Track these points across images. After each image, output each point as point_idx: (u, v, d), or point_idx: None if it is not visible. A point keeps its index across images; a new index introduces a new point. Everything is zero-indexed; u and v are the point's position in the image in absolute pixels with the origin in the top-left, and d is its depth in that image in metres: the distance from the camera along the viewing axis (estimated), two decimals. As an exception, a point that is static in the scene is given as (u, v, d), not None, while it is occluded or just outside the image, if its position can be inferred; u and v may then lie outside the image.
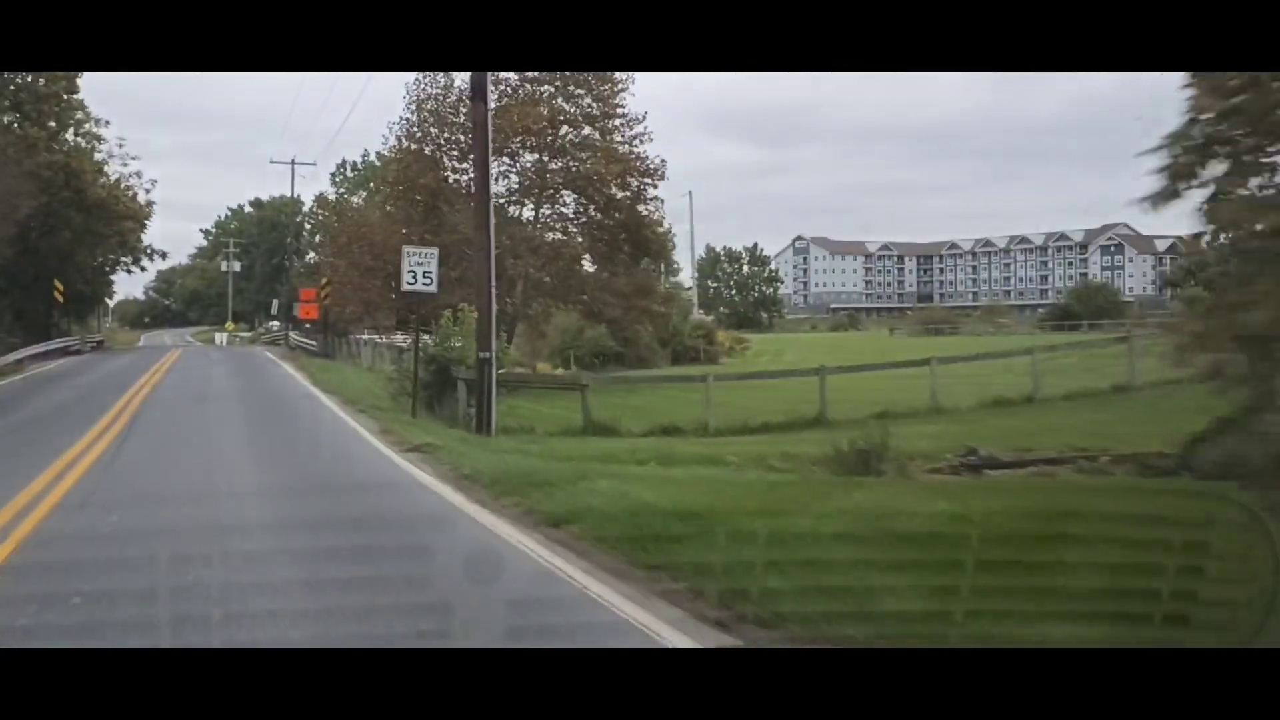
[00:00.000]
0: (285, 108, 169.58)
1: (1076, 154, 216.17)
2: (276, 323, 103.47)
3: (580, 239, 35.79)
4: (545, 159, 37.62)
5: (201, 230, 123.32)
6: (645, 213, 36.05)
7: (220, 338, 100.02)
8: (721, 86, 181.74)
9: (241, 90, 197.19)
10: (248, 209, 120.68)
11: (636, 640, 5.07)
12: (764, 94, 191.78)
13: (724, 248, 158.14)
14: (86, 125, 46.22)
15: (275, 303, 62.93)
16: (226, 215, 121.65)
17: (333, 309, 38.53)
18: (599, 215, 36.47)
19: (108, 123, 46.75)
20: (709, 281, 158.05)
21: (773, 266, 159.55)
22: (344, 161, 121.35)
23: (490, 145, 19.79)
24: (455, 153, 37.77)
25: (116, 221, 44.57)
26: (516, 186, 37.78)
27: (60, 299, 42.43)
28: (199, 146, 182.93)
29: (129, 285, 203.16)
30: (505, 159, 37.87)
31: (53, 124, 44.18)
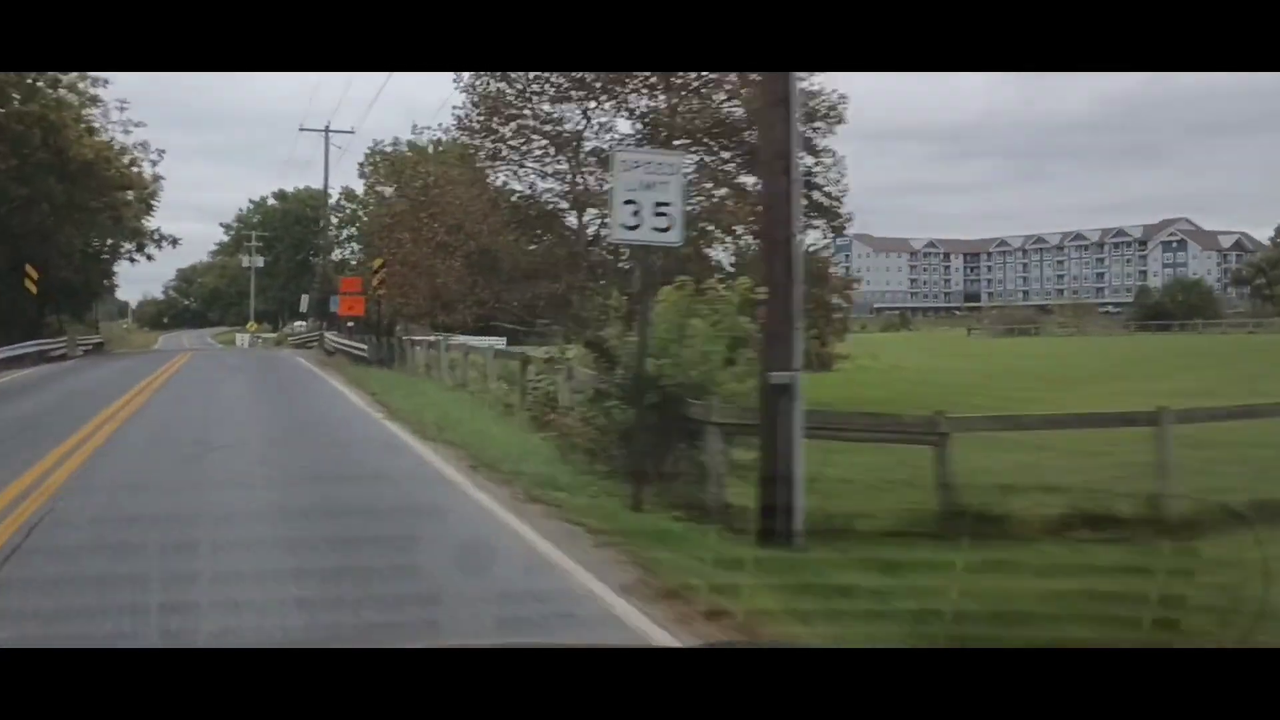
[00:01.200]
0: (304, 109, 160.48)
1: (1105, 151, 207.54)
2: (303, 323, 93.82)
3: (729, 204, 25.44)
4: (671, 101, 27.50)
5: (221, 225, 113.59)
6: (817, 168, 25.79)
7: (242, 339, 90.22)
8: None
9: (260, 90, 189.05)
10: (271, 201, 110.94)
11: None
12: None
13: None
14: (81, 85, 36.32)
15: (305, 298, 52.43)
16: (248, 208, 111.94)
17: (390, 300, 28.08)
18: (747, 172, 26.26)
19: (106, 82, 36.54)
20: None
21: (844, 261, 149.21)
22: (372, 149, 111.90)
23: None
24: (551, 90, 27.70)
25: (108, 191, 34.37)
26: (633, 136, 27.58)
27: (33, 289, 32.35)
28: (219, 147, 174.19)
29: (147, 284, 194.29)
30: (610, 103, 27.72)
31: (30, 76, 34.14)
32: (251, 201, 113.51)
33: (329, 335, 38.21)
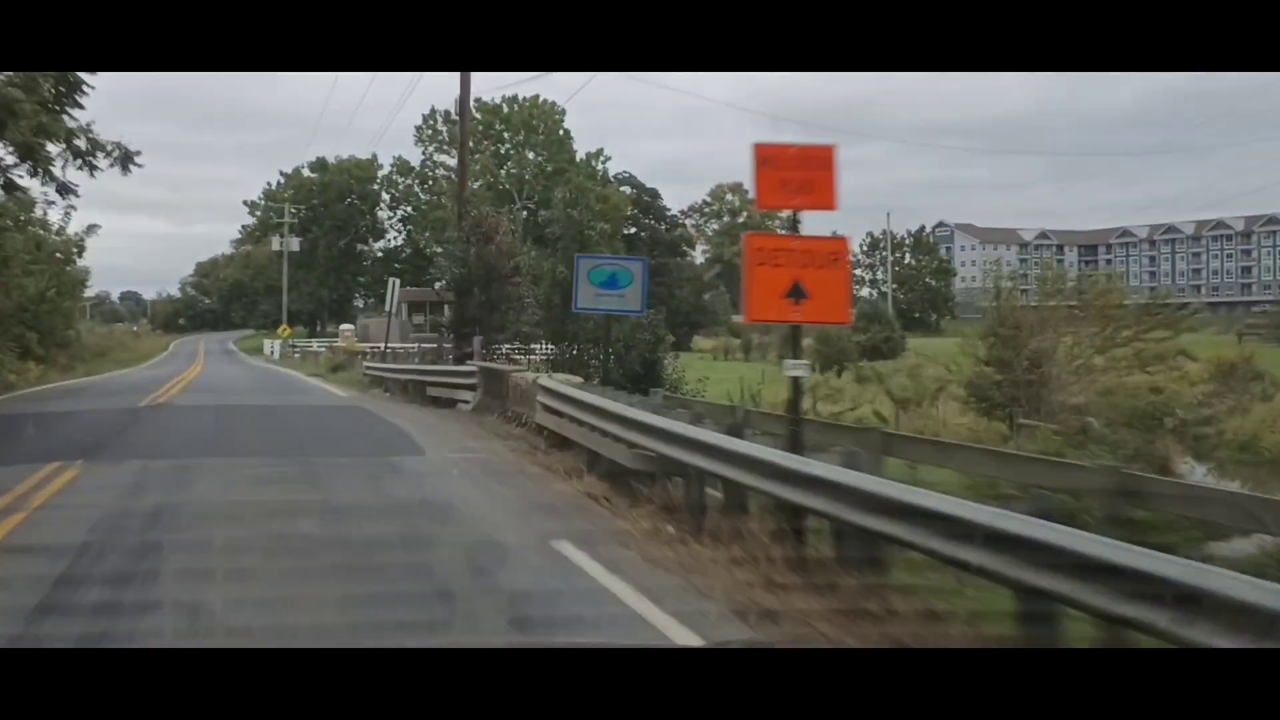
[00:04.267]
0: (337, 106, 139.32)
1: (1151, 149, 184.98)
2: (350, 326, 67.20)
3: None
4: None
5: (245, 203, 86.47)
6: None
7: (272, 347, 63.72)
8: (781, 81, 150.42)
9: (290, 88, 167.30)
10: (307, 173, 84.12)
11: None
12: (825, 89, 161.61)
13: (884, 231, 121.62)
14: None
15: (394, 284, 24.35)
16: (279, 183, 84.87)
17: None
18: None
19: None
20: (857, 270, 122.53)
21: (944, 255, 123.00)
22: (432, 111, 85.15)
23: None
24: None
25: None
26: None
27: None
28: (252, 147, 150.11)
29: (163, 283, 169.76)
30: None
31: None
32: (283, 174, 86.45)
33: (562, 383, 11.46)
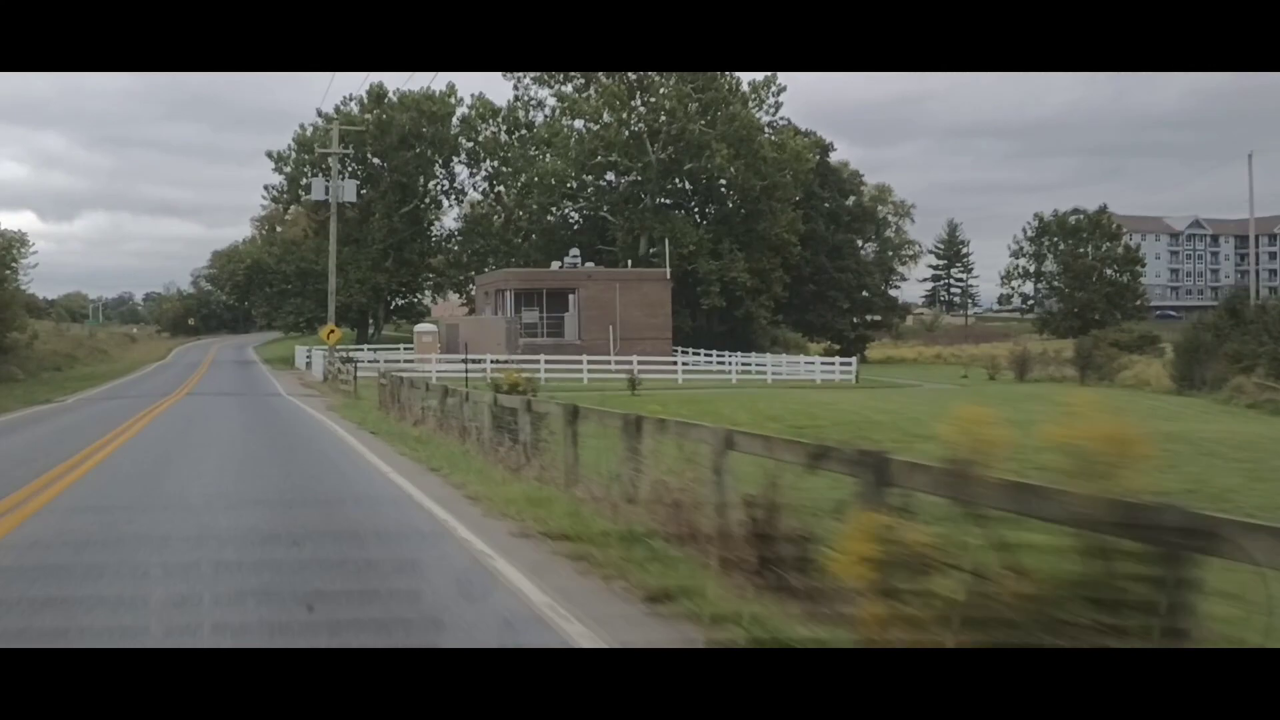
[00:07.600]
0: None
1: (1190, 149, 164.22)
2: (431, 326, 41.66)
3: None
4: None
5: (270, 155, 59.60)
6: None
7: (307, 359, 37.75)
8: (813, 82, 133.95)
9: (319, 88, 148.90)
10: (355, 110, 57.65)
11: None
12: (860, 90, 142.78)
13: (1054, 212, 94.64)
14: None
15: None
16: (315, 126, 58.29)
17: None
18: None
19: None
20: (1020, 260, 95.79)
21: (1131, 243, 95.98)
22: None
23: None
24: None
25: None
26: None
27: None
28: (281, 147, 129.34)
29: (163, 275, 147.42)
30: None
31: None
32: (322, 116, 59.80)
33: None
